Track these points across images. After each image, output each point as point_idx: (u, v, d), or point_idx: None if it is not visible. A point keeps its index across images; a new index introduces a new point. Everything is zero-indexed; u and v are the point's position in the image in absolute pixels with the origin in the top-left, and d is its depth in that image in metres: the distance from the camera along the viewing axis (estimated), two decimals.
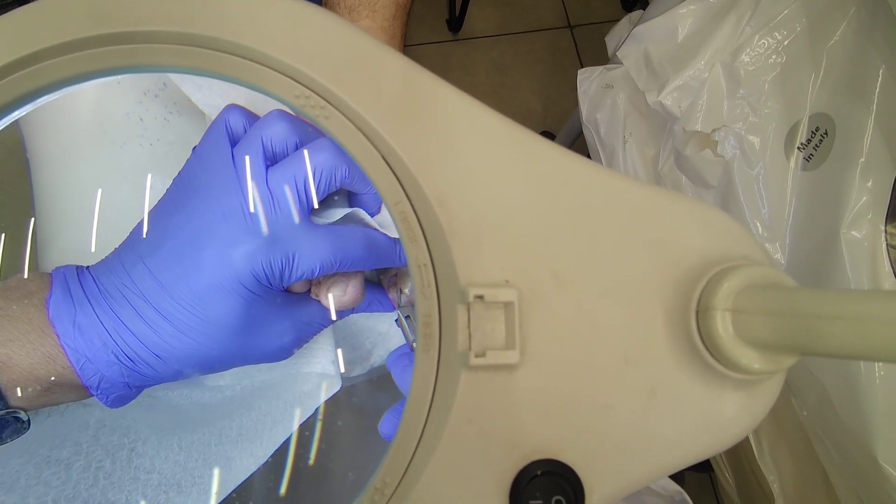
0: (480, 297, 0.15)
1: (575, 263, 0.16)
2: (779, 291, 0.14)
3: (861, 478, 0.44)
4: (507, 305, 0.15)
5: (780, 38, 0.49)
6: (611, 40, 0.70)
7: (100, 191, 0.30)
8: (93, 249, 0.29)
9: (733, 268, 0.15)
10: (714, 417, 0.16)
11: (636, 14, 0.68)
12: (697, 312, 0.15)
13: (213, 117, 0.26)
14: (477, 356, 0.15)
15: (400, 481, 0.15)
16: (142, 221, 0.23)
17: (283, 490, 0.26)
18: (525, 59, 1.21)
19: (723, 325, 0.15)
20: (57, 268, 0.23)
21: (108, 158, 0.30)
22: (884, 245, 0.42)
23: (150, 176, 0.31)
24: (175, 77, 0.28)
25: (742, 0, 0.50)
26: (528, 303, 0.15)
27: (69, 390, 0.22)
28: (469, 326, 0.15)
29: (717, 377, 0.16)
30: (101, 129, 0.30)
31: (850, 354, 0.13)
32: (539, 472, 0.15)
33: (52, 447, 0.25)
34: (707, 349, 0.15)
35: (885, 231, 0.42)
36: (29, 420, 0.22)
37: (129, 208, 0.29)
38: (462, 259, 0.15)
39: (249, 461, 0.26)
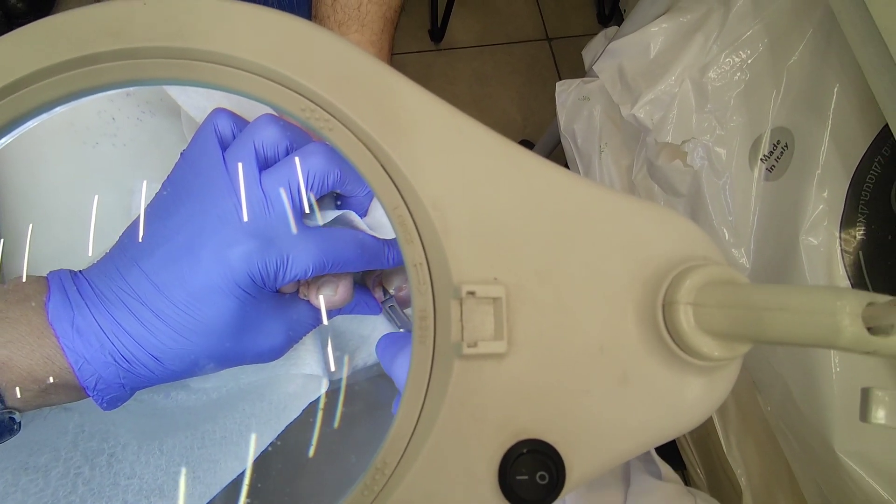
0: (472, 293, 0.17)
1: (556, 263, 0.18)
2: (733, 287, 0.16)
3: (820, 468, 0.47)
4: (496, 301, 0.17)
5: (744, 56, 0.52)
6: (587, 54, 0.73)
7: (74, 193, 0.30)
8: (72, 253, 0.30)
9: (695, 267, 0.17)
10: (680, 400, 0.18)
11: (611, 30, 0.71)
12: (663, 306, 0.17)
13: (198, 119, 0.26)
14: (469, 346, 0.17)
15: (399, 461, 0.17)
16: (132, 226, 0.24)
17: (286, 473, 0.26)
18: (505, 70, 1.24)
19: (685, 318, 0.17)
20: (52, 272, 0.23)
21: (79, 159, 0.30)
22: (838, 250, 0.45)
23: (129, 178, 0.31)
24: None
25: (709, 20, 0.53)
26: (514, 298, 0.17)
27: (65, 391, 0.22)
28: (461, 320, 0.17)
29: (682, 364, 0.18)
30: (72, 129, 0.30)
31: (793, 341, 0.15)
32: (525, 451, 0.17)
33: (30, 453, 0.25)
34: (672, 339, 0.17)
35: (840, 237, 0.46)
36: (20, 422, 0.23)
37: (105, 211, 0.29)
38: (455, 258, 0.17)
39: (234, 463, 0.27)
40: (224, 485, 0.26)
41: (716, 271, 0.17)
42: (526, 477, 0.16)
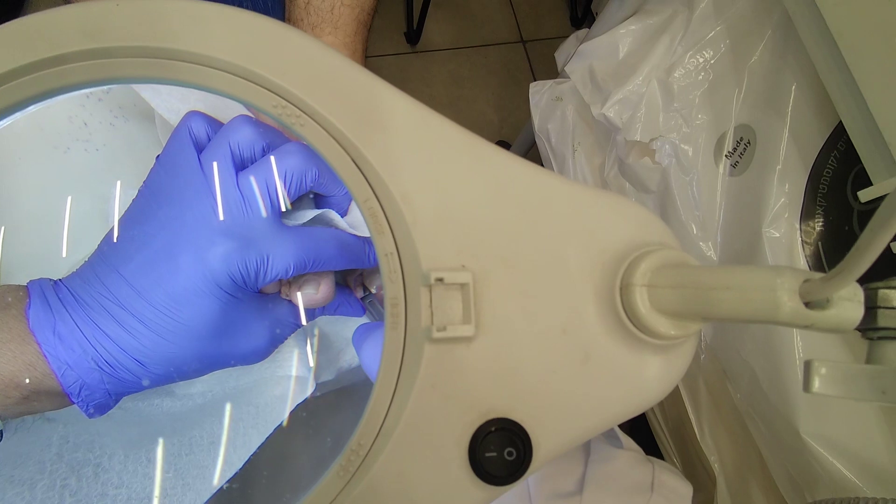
0: (440, 280, 0.17)
1: (520, 250, 0.19)
2: (684, 269, 0.17)
3: (788, 451, 0.48)
4: (464, 286, 0.18)
5: (707, 56, 0.54)
6: (560, 56, 0.74)
7: (45, 199, 0.30)
8: (44, 259, 0.29)
9: (649, 252, 0.18)
10: (639, 378, 0.19)
11: (583, 32, 0.72)
12: (621, 289, 0.18)
13: (173, 121, 0.26)
14: (438, 330, 0.17)
15: (373, 442, 0.17)
16: (110, 232, 0.24)
17: (263, 456, 0.27)
18: (481, 72, 1.25)
19: (641, 299, 0.18)
20: (32, 280, 0.23)
21: (50, 165, 0.30)
22: (799, 241, 0.47)
23: (103, 183, 0.31)
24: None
25: (674, 22, 0.55)
26: (481, 284, 0.18)
27: (48, 399, 0.22)
28: (431, 305, 0.18)
29: (640, 343, 0.19)
30: (41, 134, 0.30)
31: (738, 317, 0.16)
32: (493, 429, 0.18)
33: (15, 466, 0.25)
34: (630, 319, 0.18)
35: (800, 229, 0.48)
36: (2, 431, 0.22)
37: (79, 216, 0.29)
38: (424, 247, 0.18)
39: (224, 468, 0.26)
40: (214, 490, 0.26)
41: (668, 255, 0.18)
42: (494, 454, 0.17)
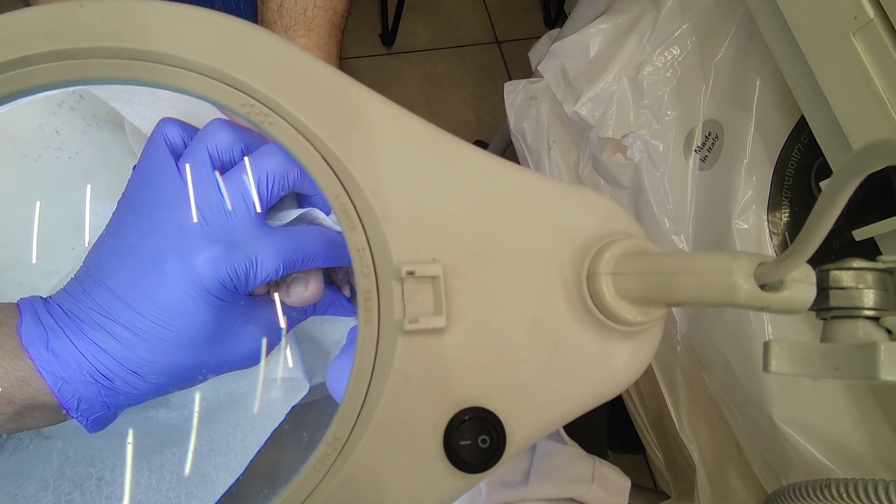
0: (411, 273, 0.18)
1: (489, 243, 0.19)
2: (646, 256, 0.18)
3: (762, 436, 0.50)
4: (434, 279, 0.18)
5: (675, 54, 0.55)
6: (533, 55, 0.75)
7: (15, 207, 0.29)
8: (17, 267, 0.29)
9: (614, 241, 0.19)
10: (608, 364, 0.20)
11: (555, 32, 0.73)
12: (588, 278, 0.19)
13: (145, 129, 0.26)
14: (410, 322, 0.18)
15: (349, 435, 0.18)
16: (93, 247, 0.24)
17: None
18: (457, 73, 1.26)
19: (606, 286, 0.18)
20: (22, 298, 0.23)
21: (20, 173, 0.30)
22: (767, 232, 0.49)
23: (76, 191, 0.30)
24: (103, 94, 0.27)
25: (642, 21, 0.57)
26: (451, 276, 0.18)
27: (42, 414, 0.22)
28: (403, 298, 0.18)
29: (607, 330, 0.19)
30: (11, 143, 0.30)
31: (698, 301, 0.17)
32: (468, 418, 0.18)
33: (18, 485, 0.25)
34: (597, 307, 0.19)
35: (767, 220, 0.49)
36: None
37: (53, 224, 0.29)
38: (395, 241, 0.18)
39: (226, 474, 0.27)
40: (219, 496, 0.26)
41: (632, 243, 0.18)
42: (469, 442, 0.18)
